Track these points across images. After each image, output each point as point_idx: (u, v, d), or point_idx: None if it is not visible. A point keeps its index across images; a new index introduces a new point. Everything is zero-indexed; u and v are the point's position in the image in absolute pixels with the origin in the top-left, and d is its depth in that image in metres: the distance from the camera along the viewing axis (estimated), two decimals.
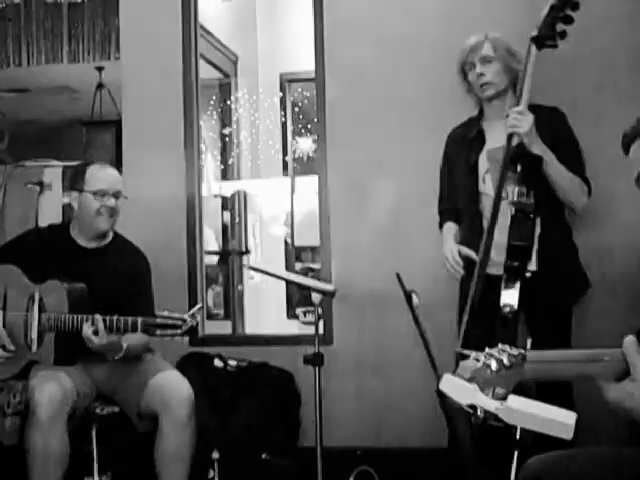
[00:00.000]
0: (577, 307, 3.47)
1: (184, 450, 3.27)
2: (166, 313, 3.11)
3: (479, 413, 1.50)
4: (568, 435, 1.48)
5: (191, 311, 3.12)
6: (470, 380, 1.52)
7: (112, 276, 3.45)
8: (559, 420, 1.48)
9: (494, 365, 1.55)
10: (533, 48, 3.12)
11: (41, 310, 3.29)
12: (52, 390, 3.10)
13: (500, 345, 1.62)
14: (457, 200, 3.53)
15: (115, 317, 3.15)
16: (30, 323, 3.30)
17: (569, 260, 3.41)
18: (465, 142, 3.49)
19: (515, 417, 1.48)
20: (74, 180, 3.51)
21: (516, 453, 2.79)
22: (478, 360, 1.56)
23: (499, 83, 3.37)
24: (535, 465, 1.96)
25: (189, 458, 3.29)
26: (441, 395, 3.09)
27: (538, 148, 3.13)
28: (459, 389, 1.52)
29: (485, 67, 3.36)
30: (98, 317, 3.16)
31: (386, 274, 3.32)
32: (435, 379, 3.08)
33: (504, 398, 1.52)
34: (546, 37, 3.08)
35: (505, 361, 1.56)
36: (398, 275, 3.14)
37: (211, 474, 3.62)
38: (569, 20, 3.03)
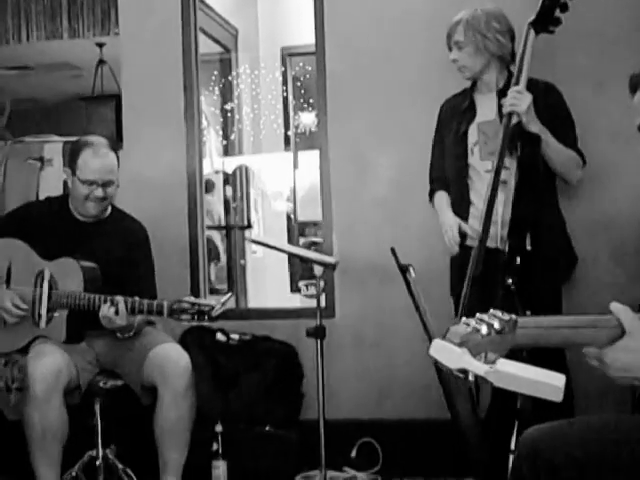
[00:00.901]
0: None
1: (183, 422, 3.30)
2: (193, 299, 3.13)
3: (470, 377, 1.50)
4: (558, 397, 1.48)
5: (222, 300, 3.13)
6: (460, 345, 1.52)
7: (111, 248, 3.46)
8: (549, 382, 1.48)
9: (484, 329, 1.54)
10: (531, 32, 3.18)
11: (51, 287, 3.30)
12: (46, 365, 3.12)
13: (491, 310, 1.61)
14: (447, 169, 3.56)
15: (138, 299, 3.17)
16: (39, 299, 3.31)
17: (560, 240, 3.45)
18: (456, 112, 3.53)
19: (504, 380, 1.48)
20: (69, 158, 3.48)
21: (516, 423, 2.81)
22: (468, 325, 1.55)
23: (473, 66, 3.40)
24: (534, 435, 1.96)
25: (188, 430, 3.33)
26: (439, 369, 3.14)
27: (536, 127, 3.16)
28: (449, 353, 1.52)
29: (458, 52, 3.41)
30: (120, 298, 3.18)
31: (388, 247, 3.33)
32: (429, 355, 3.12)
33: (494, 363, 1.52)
34: (544, 23, 3.17)
35: (496, 326, 1.55)
36: (393, 250, 3.17)
37: (214, 447, 3.64)
38: (566, 7, 3.12)
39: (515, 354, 1.59)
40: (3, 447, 3.55)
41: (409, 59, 3.98)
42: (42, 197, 4.18)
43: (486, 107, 3.43)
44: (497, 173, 3.12)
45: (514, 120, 3.14)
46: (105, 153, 3.42)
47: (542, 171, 3.27)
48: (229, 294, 3.37)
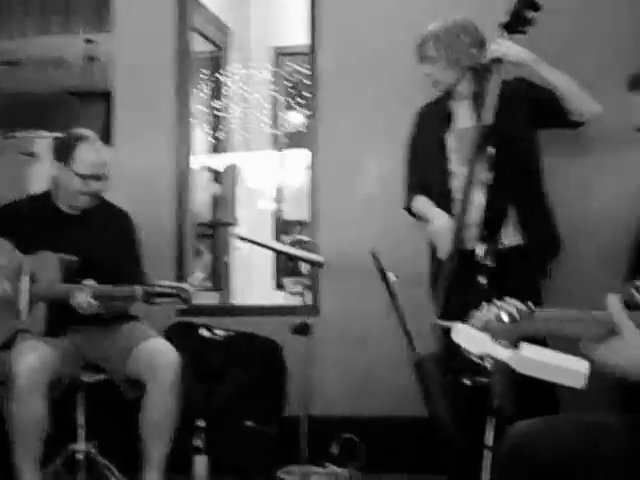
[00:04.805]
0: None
1: (169, 416, 3.30)
2: (166, 282, 3.15)
3: (487, 364, 1.52)
4: (580, 384, 1.47)
5: (191, 279, 3.16)
6: (483, 330, 1.55)
7: (100, 238, 3.48)
8: (572, 368, 1.47)
9: (506, 317, 1.58)
10: (504, 34, 3.20)
11: (32, 281, 3.31)
12: (29, 360, 3.13)
13: (508, 299, 1.65)
14: (427, 177, 3.57)
15: (110, 286, 3.19)
16: (19, 293, 3.30)
17: (547, 232, 3.49)
18: (434, 120, 3.56)
19: (527, 366, 1.48)
20: (62, 152, 3.45)
21: (492, 421, 2.84)
22: (490, 311, 1.59)
23: (446, 80, 3.44)
24: (519, 431, 1.98)
25: (174, 425, 3.33)
26: (418, 369, 3.19)
27: (525, 56, 3.21)
28: (472, 339, 1.54)
29: (431, 67, 3.43)
30: (90, 283, 3.20)
31: (374, 246, 3.35)
32: (411, 356, 3.17)
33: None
34: (516, 24, 3.18)
35: (515, 314, 1.59)
36: (374, 253, 3.20)
37: (196, 442, 3.66)
38: (537, 7, 3.14)
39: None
40: None
41: (400, 60, 4.01)
42: (33, 192, 4.17)
43: (463, 114, 3.48)
44: (470, 175, 3.16)
45: (497, 70, 3.18)
46: (101, 147, 3.46)
47: (521, 165, 3.33)
48: (197, 274, 3.39)
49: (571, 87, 3.25)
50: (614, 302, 1.68)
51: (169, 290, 3.11)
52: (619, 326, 1.66)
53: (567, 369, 1.46)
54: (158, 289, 3.12)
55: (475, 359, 1.52)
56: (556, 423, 1.97)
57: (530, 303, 1.64)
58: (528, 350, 1.49)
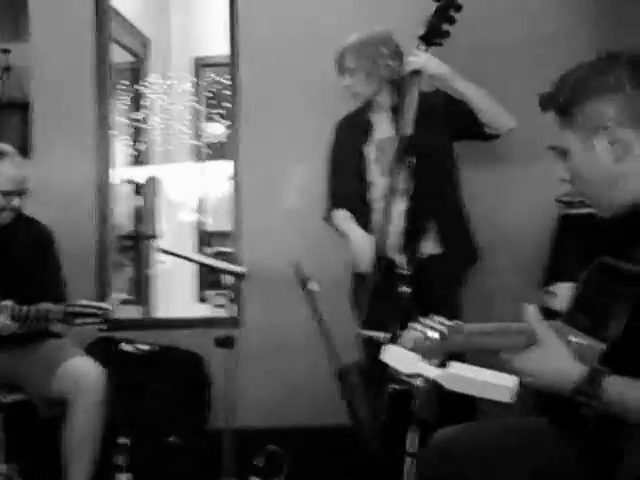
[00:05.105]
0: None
1: (94, 434, 3.26)
2: (85, 302, 3.10)
3: (418, 382, 1.54)
4: (509, 398, 1.51)
5: (112, 300, 3.12)
6: (413, 350, 1.57)
7: (18, 252, 3.41)
8: (500, 384, 1.51)
9: (435, 335, 1.61)
10: (422, 46, 3.25)
11: None
12: None
13: (435, 317, 1.68)
14: (347, 188, 3.60)
15: (28, 307, 3.11)
16: None
17: (465, 241, 3.56)
18: (354, 131, 3.60)
19: (457, 383, 1.51)
20: None
21: (415, 428, 2.87)
22: (418, 330, 1.61)
23: (365, 91, 3.49)
24: (441, 438, 2.02)
25: (98, 443, 3.28)
26: (341, 379, 3.21)
27: (441, 69, 3.26)
28: (402, 359, 1.56)
29: (350, 79, 3.48)
30: (7, 304, 3.13)
31: (296, 257, 3.37)
32: (334, 366, 3.23)
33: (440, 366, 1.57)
34: (432, 36, 3.23)
35: (444, 331, 1.62)
36: (295, 265, 3.22)
37: (119, 460, 3.60)
38: (453, 21, 3.19)
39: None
40: None
41: (321, 71, 4.02)
42: None
43: (382, 125, 3.52)
44: (392, 185, 3.20)
45: (416, 82, 3.22)
46: (21, 162, 3.40)
47: (440, 176, 3.40)
48: (120, 294, 3.35)
49: (486, 101, 3.32)
50: (531, 312, 1.73)
51: (89, 310, 3.06)
52: (537, 336, 1.71)
53: (495, 385, 1.51)
54: (78, 309, 3.07)
55: (406, 379, 1.54)
56: (477, 429, 2.02)
57: (457, 321, 1.67)
58: (457, 368, 1.52)
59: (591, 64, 1.73)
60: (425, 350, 1.59)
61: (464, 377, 1.51)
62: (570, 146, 1.73)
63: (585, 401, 1.66)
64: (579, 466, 1.83)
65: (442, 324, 1.65)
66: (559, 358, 1.69)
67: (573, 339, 1.73)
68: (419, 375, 1.54)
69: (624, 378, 1.65)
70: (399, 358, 1.57)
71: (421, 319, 1.67)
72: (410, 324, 1.66)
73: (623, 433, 1.72)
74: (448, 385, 1.51)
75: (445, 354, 1.65)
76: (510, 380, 1.50)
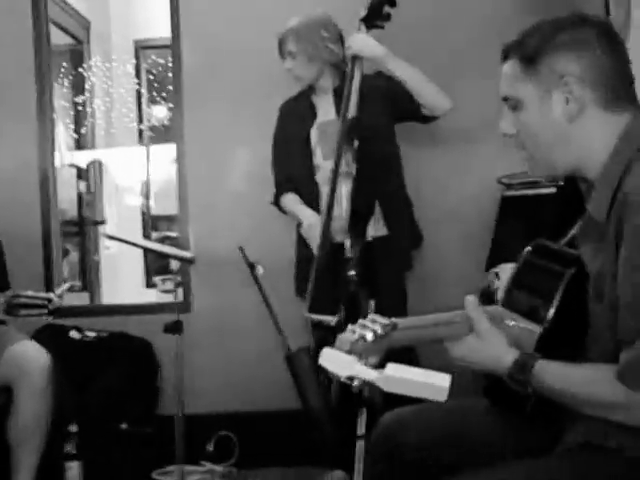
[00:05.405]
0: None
1: (41, 421, 3.22)
2: (31, 292, 3.05)
3: (355, 383, 1.55)
4: (443, 397, 1.54)
5: (58, 291, 3.07)
6: (349, 352, 1.58)
7: None
8: (436, 384, 1.53)
9: (370, 336, 1.62)
10: (363, 29, 3.22)
11: None
12: None
13: (371, 315, 1.70)
14: (293, 172, 3.61)
15: None
16: None
17: (409, 223, 3.59)
18: (297, 115, 3.61)
19: (394, 385, 1.52)
20: None
21: (364, 411, 2.90)
22: (354, 332, 1.62)
23: (307, 75, 3.50)
24: (388, 420, 2.05)
25: (45, 430, 3.25)
26: (290, 363, 3.22)
27: (377, 51, 3.23)
28: (339, 362, 1.57)
29: (292, 62, 3.49)
30: None
31: (243, 241, 3.36)
32: (283, 347, 3.25)
33: (378, 367, 1.58)
34: (374, 18, 3.19)
35: (379, 331, 1.64)
36: (241, 248, 3.22)
37: (68, 447, 3.57)
38: (394, 3, 3.16)
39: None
40: None
41: (265, 53, 3.99)
42: None
43: (325, 108, 3.53)
44: (336, 168, 3.19)
45: (358, 66, 3.19)
46: None
47: (383, 159, 3.41)
48: (67, 284, 3.31)
49: (421, 82, 3.32)
50: (469, 300, 1.77)
51: (35, 301, 3.01)
52: (474, 323, 1.74)
53: (431, 385, 1.54)
54: (23, 300, 3.02)
55: (345, 381, 1.55)
56: (424, 410, 2.04)
57: (393, 319, 1.69)
58: (393, 370, 1.54)
59: (562, 19, 1.73)
60: (361, 351, 1.60)
61: (401, 378, 1.53)
62: (526, 97, 1.71)
63: (517, 387, 1.70)
64: (520, 445, 1.87)
65: (376, 323, 1.66)
66: (493, 345, 1.73)
67: (512, 323, 1.77)
68: (356, 377, 1.54)
69: (556, 363, 1.68)
70: (336, 361, 1.57)
71: (360, 320, 1.68)
72: (349, 326, 1.67)
73: (560, 415, 1.77)
74: (386, 387, 1.53)
75: (383, 351, 1.67)
76: (445, 380, 1.54)
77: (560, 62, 1.67)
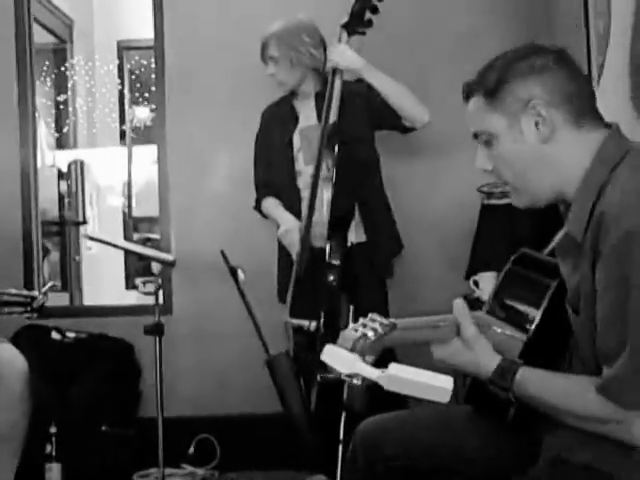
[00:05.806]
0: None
1: (17, 426, 3.17)
2: (14, 290, 3.03)
3: (355, 381, 1.56)
4: (445, 399, 1.54)
5: (43, 289, 3.05)
6: (351, 350, 1.59)
7: None
8: (438, 385, 1.53)
9: (372, 334, 1.63)
10: (344, 35, 3.23)
11: None
12: None
13: (370, 314, 1.71)
14: (275, 177, 3.60)
15: None
16: None
17: (389, 229, 3.59)
18: (278, 120, 3.60)
19: (395, 384, 1.52)
20: None
21: (344, 415, 2.91)
22: (357, 330, 1.63)
23: (290, 80, 3.49)
24: (369, 426, 2.05)
25: (23, 433, 3.21)
26: (271, 367, 3.23)
27: (358, 63, 3.25)
28: (341, 359, 1.57)
29: (274, 67, 3.48)
30: None
31: (224, 244, 3.36)
32: (263, 352, 3.25)
33: (374, 365, 1.59)
34: (355, 25, 3.20)
35: (380, 330, 1.65)
36: (222, 252, 3.22)
37: (48, 449, 3.56)
38: (376, 10, 3.15)
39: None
40: None
41: (249, 55, 4.00)
42: None
43: (307, 113, 3.52)
44: (316, 173, 3.21)
45: (338, 77, 3.22)
46: None
47: (363, 164, 3.41)
48: (50, 283, 3.29)
49: (400, 94, 3.32)
50: (458, 305, 1.79)
51: (17, 299, 2.99)
52: (461, 328, 1.75)
53: (433, 386, 1.53)
54: (6, 297, 3.00)
55: (345, 378, 1.56)
56: (404, 417, 2.06)
57: (391, 319, 1.70)
58: (397, 369, 1.54)
59: (517, 50, 1.75)
60: (363, 349, 1.61)
61: (403, 378, 1.53)
62: (495, 128, 1.72)
63: (499, 393, 1.71)
64: (501, 453, 1.88)
65: (377, 322, 1.68)
66: (477, 350, 1.75)
67: (498, 330, 1.78)
68: (358, 375, 1.55)
69: (538, 371, 1.70)
70: (338, 358, 1.58)
71: (362, 319, 1.69)
72: (351, 324, 1.68)
73: (540, 424, 1.78)
74: (387, 386, 1.53)
75: (380, 351, 1.68)
76: (448, 381, 1.53)
77: (523, 88, 1.69)
